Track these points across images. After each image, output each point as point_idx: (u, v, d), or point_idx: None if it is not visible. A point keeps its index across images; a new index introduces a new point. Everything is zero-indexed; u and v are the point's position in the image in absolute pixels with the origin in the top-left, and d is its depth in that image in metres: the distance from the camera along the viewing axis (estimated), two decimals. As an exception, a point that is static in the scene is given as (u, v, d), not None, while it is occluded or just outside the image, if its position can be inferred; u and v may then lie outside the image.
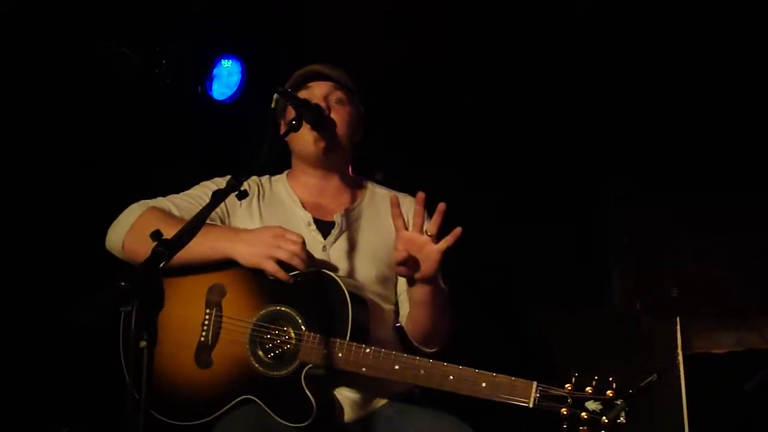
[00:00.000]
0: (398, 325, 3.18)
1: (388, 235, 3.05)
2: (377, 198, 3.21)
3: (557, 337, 4.59)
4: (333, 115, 3.05)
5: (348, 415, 2.85)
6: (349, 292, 2.73)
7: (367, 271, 3.00)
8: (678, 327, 4.22)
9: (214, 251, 2.83)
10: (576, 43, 4.90)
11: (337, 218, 3.06)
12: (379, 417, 2.90)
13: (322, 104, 3.02)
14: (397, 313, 3.13)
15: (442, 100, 5.19)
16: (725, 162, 4.74)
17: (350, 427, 2.86)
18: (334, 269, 2.92)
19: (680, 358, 4.19)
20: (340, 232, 3.04)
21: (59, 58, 4.42)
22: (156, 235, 2.13)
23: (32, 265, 4.33)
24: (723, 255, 4.77)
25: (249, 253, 2.79)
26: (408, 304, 2.99)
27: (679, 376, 4.17)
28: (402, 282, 3.05)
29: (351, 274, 2.97)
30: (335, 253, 3.00)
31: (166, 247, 2.07)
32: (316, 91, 3.07)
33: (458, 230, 2.68)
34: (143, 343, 1.98)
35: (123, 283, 1.93)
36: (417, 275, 2.76)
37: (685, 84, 4.80)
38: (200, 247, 2.74)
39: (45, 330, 4.25)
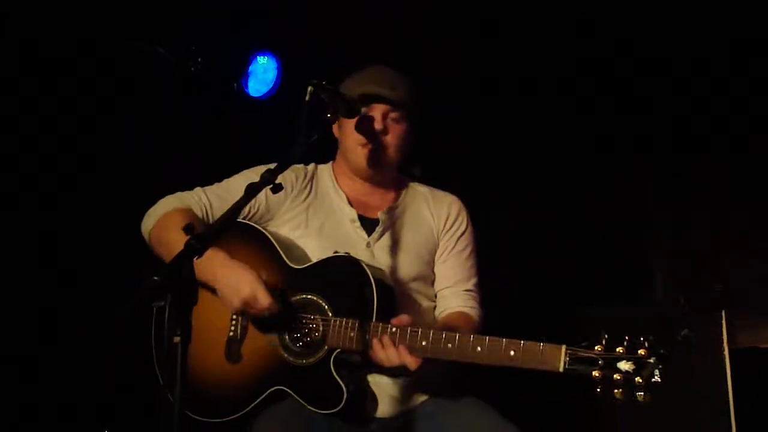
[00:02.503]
0: None
1: (428, 234, 3.13)
2: (418, 196, 3.23)
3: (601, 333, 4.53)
4: (388, 137, 3.05)
5: (388, 410, 2.85)
6: (373, 275, 2.74)
7: (409, 268, 3.02)
8: (723, 321, 4.14)
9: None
10: (622, 35, 4.84)
11: (382, 216, 3.08)
12: (421, 413, 2.89)
13: (380, 126, 3.02)
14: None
15: (478, 96, 5.15)
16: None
17: (391, 422, 2.86)
18: (378, 266, 2.92)
19: (726, 353, 4.10)
20: (384, 230, 3.06)
21: (94, 55, 4.44)
22: (189, 228, 2.12)
23: (69, 265, 4.36)
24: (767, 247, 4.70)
25: (229, 298, 2.77)
26: (440, 310, 3.05)
27: (725, 371, 4.09)
28: (438, 281, 3.10)
29: (393, 271, 2.98)
30: (379, 250, 3.02)
31: (198, 241, 2.04)
32: (377, 114, 3.06)
33: None
34: (177, 339, 1.95)
35: (155, 278, 1.91)
36: None
37: (725, 77, 4.72)
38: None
39: (85, 331, 4.27)
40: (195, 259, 2.04)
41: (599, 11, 4.75)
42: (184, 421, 1.97)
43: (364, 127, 3.00)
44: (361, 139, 3.01)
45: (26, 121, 4.27)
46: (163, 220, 2.91)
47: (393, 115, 3.08)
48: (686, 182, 4.99)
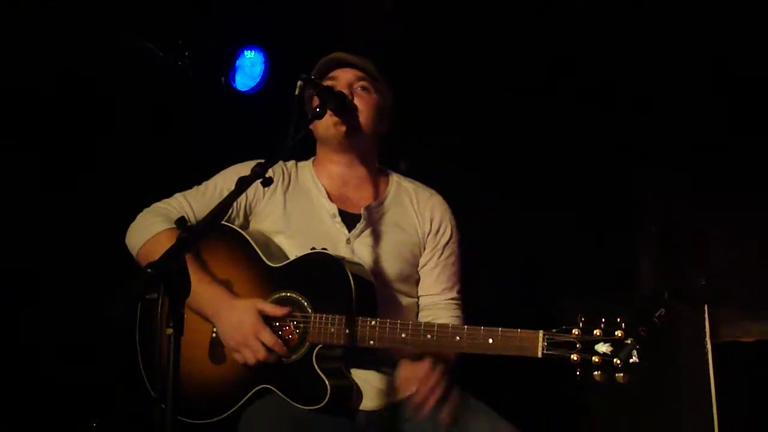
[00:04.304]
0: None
1: (412, 234, 3.11)
2: (402, 192, 3.21)
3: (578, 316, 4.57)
4: (356, 101, 3.03)
5: (374, 403, 2.87)
6: (350, 271, 2.74)
7: (390, 267, 3.01)
8: (706, 315, 4.17)
9: (202, 312, 2.84)
10: (609, 22, 4.87)
11: (364, 212, 3.06)
12: (407, 405, 2.86)
13: (346, 91, 3.01)
14: (418, 306, 3.15)
15: (466, 86, 5.16)
16: (755, 149, 4.69)
17: (378, 415, 2.87)
18: (357, 262, 2.93)
19: (708, 346, 4.14)
20: (366, 226, 3.05)
21: (83, 51, 4.43)
22: (181, 222, 2.13)
23: (61, 257, 4.36)
24: (752, 242, 4.72)
25: (227, 335, 2.78)
26: (424, 309, 3.08)
27: (708, 364, 4.13)
28: (423, 287, 3.12)
29: (374, 268, 2.97)
30: (359, 246, 3.01)
31: (191, 234, 2.06)
32: (341, 79, 3.07)
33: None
34: (169, 330, 1.96)
35: (149, 270, 1.92)
36: None
37: (712, 64, 4.75)
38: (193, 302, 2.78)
39: (75, 323, 4.28)
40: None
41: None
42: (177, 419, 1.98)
43: None
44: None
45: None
46: (154, 244, 2.88)
47: (361, 83, 3.08)
48: (674, 176, 5.01)
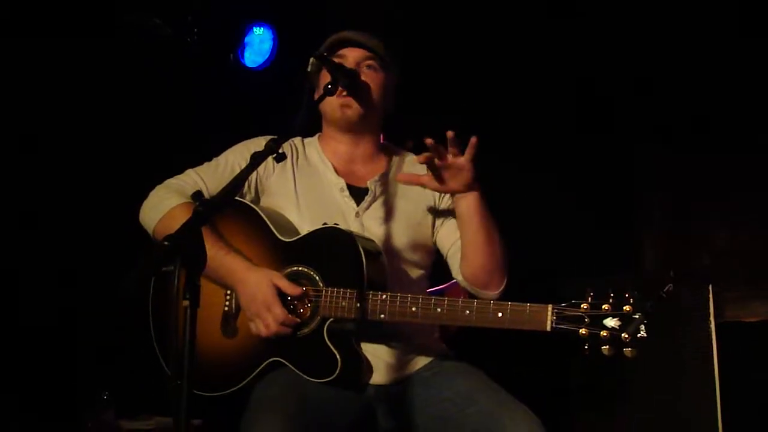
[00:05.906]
0: (430, 290, 3.20)
1: (419, 201, 3.10)
2: (407, 163, 3.20)
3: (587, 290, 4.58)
4: (364, 80, 3.03)
5: (384, 377, 2.88)
6: (361, 245, 2.76)
7: (399, 237, 3.01)
8: (710, 295, 4.19)
9: (223, 282, 2.87)
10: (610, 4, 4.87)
11: (371, 185, 3.07)
12: (416, 380, 2.92)
13: (353, 68, 3.00)
14: (428, 278, 3.15)
15: (469, 65, 5.16)
16: (758, 126, 4.69)
17: (387, 388, 2.89)
18: (368, 235, 2.94)
19: (712, 326, 4.16)
20: (374, 199, 3.05)
21: (92, 28, 4.44)
22: (197, 195, 2.15)
23: (74, 231, 4.38)
24: (757, 221, 4.73)
25: (244, 304, 2.81)
26: (459, 251, 3.00)
27: (711, 345, 4.15)
28: (448, 234, 3.07)
29: (384, 240, 2.98)
30: (368, 219, 3.02)
31: (206, 208, 2.07)
32: (349, 58, 3.06)
33: (474, 139, 2.77)
34: (185, 303, 1.98)
35: (165, 243, 1.93)
36: (456, 184, 2.83)
37: (718, 44, 4.75)
38: (213, 273, 2.80)
39: (86, 295, 4.31)
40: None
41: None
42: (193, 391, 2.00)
43: None
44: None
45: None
46: (169, 219, 2.88)
47: (368, 62, 3.06)
48: (680, 157, 5.02)
